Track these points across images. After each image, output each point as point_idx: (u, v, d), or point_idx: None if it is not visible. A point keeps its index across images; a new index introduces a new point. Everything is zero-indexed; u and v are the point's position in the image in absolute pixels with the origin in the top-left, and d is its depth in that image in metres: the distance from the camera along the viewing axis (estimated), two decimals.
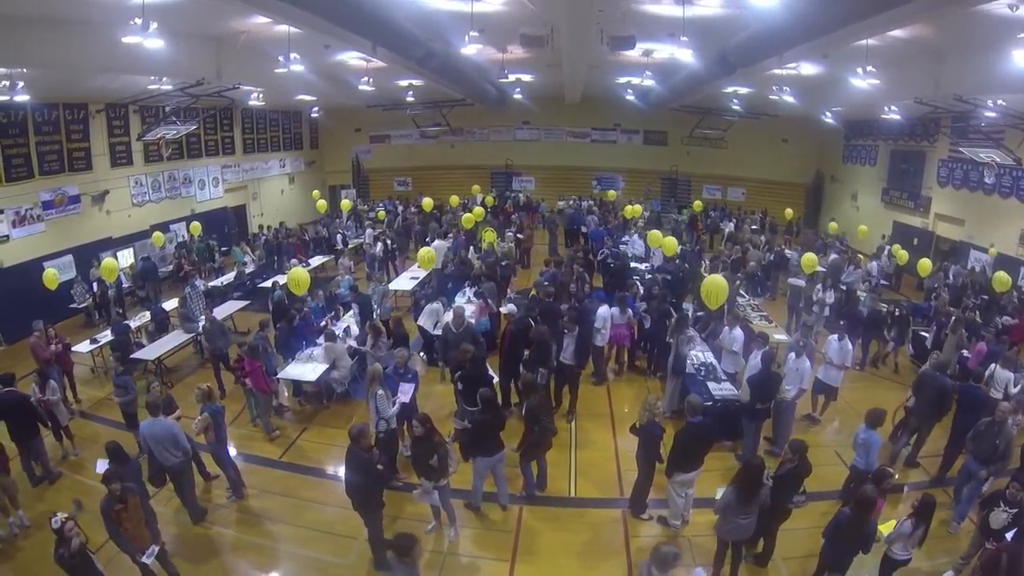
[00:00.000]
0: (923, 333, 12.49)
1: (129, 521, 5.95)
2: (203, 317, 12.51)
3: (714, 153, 27.47)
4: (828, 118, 20.46)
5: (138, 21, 8.47)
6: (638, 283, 13.74)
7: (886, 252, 17.95)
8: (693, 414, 7.12)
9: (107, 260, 13.58)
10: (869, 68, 11.48)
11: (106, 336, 12.07)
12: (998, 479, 7.26)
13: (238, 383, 9.83)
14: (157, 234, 17.68)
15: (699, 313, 12.52)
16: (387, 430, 7.86)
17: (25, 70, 11.12)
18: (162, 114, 17.26)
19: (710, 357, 10.80)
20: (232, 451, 8.69)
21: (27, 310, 11.79)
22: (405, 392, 8.30)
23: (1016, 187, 15.86)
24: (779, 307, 15.27)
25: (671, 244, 15.24)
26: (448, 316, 10.67)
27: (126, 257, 17.06)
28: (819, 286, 13.63)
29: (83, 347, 11.75)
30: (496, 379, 9.63)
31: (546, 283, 12.93)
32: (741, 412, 8.97)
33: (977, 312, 12.91)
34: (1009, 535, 6.02)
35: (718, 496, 6.34)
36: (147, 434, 7.17)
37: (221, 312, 13.87)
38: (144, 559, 6.02)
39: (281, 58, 12.01)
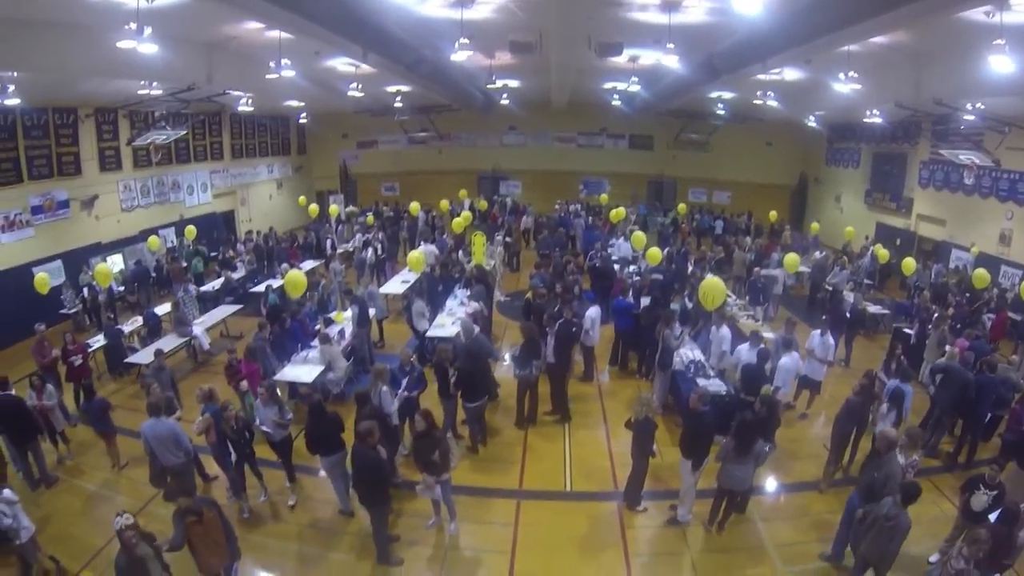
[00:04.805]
0: (906, 330, 12.78)
1: (207, 536, 5.37)
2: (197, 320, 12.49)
3: (700, 157, 27.73)
4: (812, 122, 20.78)
5: (133, 26, 8.54)
6: (628, 282, 13.92)
7: (870, 252, 18.26)
8: (703, 404, 7.43)
9: (100, 265, 13.52)
10: (851, 73, 11.69)
11: (99, 340, 12.08)
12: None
13: (232, 386, 9.84)
14: (152, 238, 17.64)
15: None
16: (390, 426, 7.97)
17: (16, 74, 11.10)
18: (152, 119, 17.24)
19: (699, 355, 11.00)
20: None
21: (15, 315, 11.81)
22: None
23: (995, 187, 16.22)
24: None
25: (655, 254, 15.47)
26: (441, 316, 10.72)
27: (116, 262, 16.94)
28: (836, 268, 15.81)
29: None
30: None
31: (539, 285, 13.13)
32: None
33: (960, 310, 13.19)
34: (992, 516, 6.21)
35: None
36: (150, 434, 7.21)
37: (213, 317, 13.94)
38: None
39: (272, 64, 12.06)
